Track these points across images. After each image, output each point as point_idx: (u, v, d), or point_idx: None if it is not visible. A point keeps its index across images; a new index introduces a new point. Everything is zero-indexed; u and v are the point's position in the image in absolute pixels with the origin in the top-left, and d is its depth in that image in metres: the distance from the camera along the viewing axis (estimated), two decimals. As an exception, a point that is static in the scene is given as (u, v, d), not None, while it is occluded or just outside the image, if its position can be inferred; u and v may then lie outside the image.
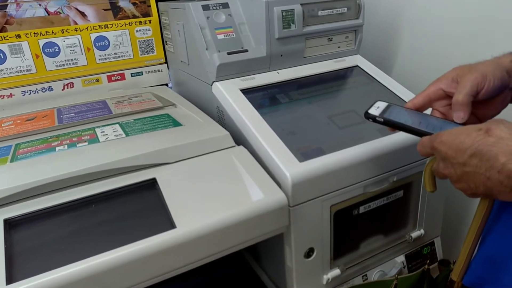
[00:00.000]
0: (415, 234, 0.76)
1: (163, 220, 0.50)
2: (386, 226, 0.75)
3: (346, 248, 0.70)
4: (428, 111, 0.56)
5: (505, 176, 0.37)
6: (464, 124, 0.49)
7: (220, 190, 0.55)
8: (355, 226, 0.70)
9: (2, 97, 0.85)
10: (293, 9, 0.75)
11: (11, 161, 0.57)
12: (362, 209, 0.68)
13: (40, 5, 0.85)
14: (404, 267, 0.77)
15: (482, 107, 0.52)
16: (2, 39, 0.82)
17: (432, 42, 0.92)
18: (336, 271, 0.67)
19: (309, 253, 0.64)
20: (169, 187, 0.55)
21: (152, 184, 0.56)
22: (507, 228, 0.43)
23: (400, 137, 0.67)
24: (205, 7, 0.76)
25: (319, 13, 0.79)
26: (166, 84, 1.01)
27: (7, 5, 0.82)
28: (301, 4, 0.76)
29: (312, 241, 0.63)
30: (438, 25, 0.90)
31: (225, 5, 0.78)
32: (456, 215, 0.91)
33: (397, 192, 0.72)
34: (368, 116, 0.54)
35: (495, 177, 0.38)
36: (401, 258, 0.77)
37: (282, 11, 0.74)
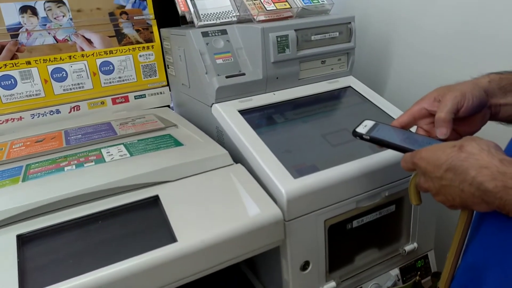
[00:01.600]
0: (408, 247, 0.78)
1: (165, 235, 0.53)
2: (379, 239, 0.78)
3: (341, 261, 0.73)
4: (414, 129, 0.60)
5: (476, 188, 0.41)
6: (446, 140, 0.53)
7: (219, 206, 0.59)
8: (349, 240, 0.73)
9: (12, 120, 0.89)
10: (288, 35, 0.80)
11: (23, 180, 0.61)
12: (355, 223, 0.71)
13: (49, 33, 0.90)
14: (398, 280, 0.79)
15: (463, 124, 0.56)
16: (13, 66, 0.87)
17: (421, 62, 0.97)
18: (332, 284, 0.70)
19: (305, 266, 0.66)
20: (171, 204, 0.58)
21: (155, 201, 0.59)
22: (486, 237, 0.46)
23: (390, 154, 0.70)
24: (205, 34, 0.81)
25: (312, 37, 0.84)
26: (168, 106, 1.06)
27: (18, 34, 0.87)
28: (295, 30, 0.81)
29: (307, 254, 0.66)
30: (427, 46, 0.94)
31: (224, 32, 0.83)
32: (449, 228, 0.93)
33: (389, 207, 0.74)
34: (355, 134, 0.58)
35: (467, 189, 0.42)
36: (395, 271, 0.79)
37: (277, 36, 0.79)
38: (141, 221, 0.56)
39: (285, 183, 0.62)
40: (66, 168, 0.64)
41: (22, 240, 0.51)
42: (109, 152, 0.70)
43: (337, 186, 0.66)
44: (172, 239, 0.52)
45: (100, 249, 0.52)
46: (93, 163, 0.66)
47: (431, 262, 0.84)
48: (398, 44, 1.01)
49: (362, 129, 0.58)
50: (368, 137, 0.57)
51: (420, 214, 0.78)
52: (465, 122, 0.56)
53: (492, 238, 0.45)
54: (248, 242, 0.56)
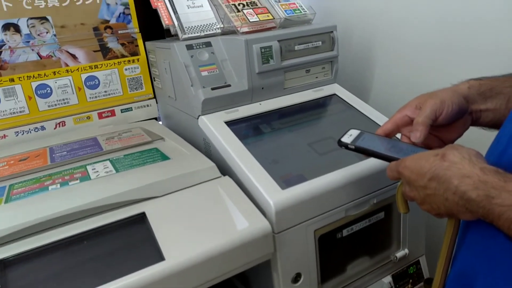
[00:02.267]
0: (399, 254, 0.79)
1: (153, 253, 0.52)
2: (370, 247, 0.78)
3: (333, 271, 0.73)
4: (399, 136, 0.60)
5: (459, 197, 0.41)
6: (429, 148, 0.54)
7: (206, 220, 0.58)
8: (340, 249, 0.73)
9: (-4, 138, 0.88)
10: (271, 46, 0.80)
11: (6, 202, 0.59)
12: (345, 232, 0.71)
13: (32, 50, 0.89)
14: (391, 287, 0.79)
15: (445, 131, 0.56)
16: (-4, 84, 0.86)
17: (404, 68, 0.98)
18: (324, 294, 0.70)
19: (296, 278, 0.66)
20: (158, 220, 0.57)
21: (141, 218, 0.58)
22: (473, 244, 0.46)
23: (377, 161, 0.69)
24: (189, 47, 0.81)
25: (296, 47, 0.84)
26: (155, 118, 1.05)
27: (1, 51, 0.86)
28: (278, 41, 0.81)
29: (298, 266, 0.66)
30: (409, 53, 0.96)
31: (208, 44, 0.83)
32: (439, 232, 0.94)
33: (378, 214, 0.75)
34: (340, 144, 0.58)
35: (451, 198, 0.42)
36: (388, 279, 0.79)
37: (261, 47, 0.79)
38: (127, 240, 0.56)
39: (273, 195, 0.62)
40: (50, 187, 0.63)
41: (5, 265, 0.50)
42: (94, 168, 0.69)
43: (326, 195, 0.66)
44: (160, 257, 0.51)
45: (86, 271, 0.51)
46: (78, 181, 0.65)
47: (423, 267, 0.84)
48: (381, 52, 1.03)
49: (347, 138, 0.58)
50: (353, 147, 0.57)
51: (409, 219, 0.78)
52: (447, 128, 0.56)
53: (478, 246, 0.45)
54: (238, 257, 0.56)
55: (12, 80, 0.88)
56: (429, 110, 0.53)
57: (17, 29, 0.87)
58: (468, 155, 0.42)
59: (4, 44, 0.86)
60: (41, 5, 0.89)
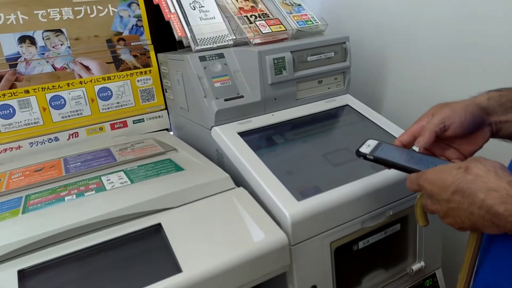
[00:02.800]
0: (415, 266, 0.77)
1: (170, 265, 0.52)
2: (386, 260, 0.77)
3: (349, 283, 0.72)
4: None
5: (485, 211, 0.40)
6: (448, 159, 0.53)
7: (223, 232, 0.58)
8: (356, 262, 0.72)
9: (11, 149, 0.88)
10: (284, 57, 0.81)
11: (23, 212, 0.60)
12: (361, 244, 0.70)
13: (47, 62, 0.90)
14: (407, 300, 0.78)
15: (463, 143, 0.56)
16: (11, 95, 0.87)
17: (418, 78, 0.98)
18: (340, 308, 0.68)
19: (312, 290, 0.65)
20: (174, 232, 0.57)
21: (157, 229, 0.58)
22: (497, 258, 0.45)
23: (393, 172, 0.69)
24: (202, 58, 0.82)
25: (308, 58, 0.85)
26: (167, 129, 1.06)
27: (17, 63, 0.87)
28: (291, 52, 0.81)
29: (314, 279, 0.65)
30: (423, 62, 0.96)
31: (221, 55, 0.83)
32: (456, 245, 0.92)
33: (394, 226, 0.74)
34: (359, 154, 0.58)
35: (477, 212, 0.41)
36: (404, 292, 0.78)
37: (274, 59, 0.79)
38: (144, 251, 0.55)
39: (289, 206, 0.62)
40: (66, 198, 0.63)
41: (23, 275, 0.50)
42: (109, 179, 0.70)
43: (342, 207, 0.65)
44: (177, 269, 0.51)
45: (103, 283, 0.50)
46: (93, 191, 0.65)
47: (439, 280, 0.83)
48: (394, 61, 1.03)
49: (365, 149, 0.58)
50: (372, 157, 0.56)
51: (425, 231, 0.77)
52: (464, 140, 0.56)
53: (503, 260, 0.44)
54: (255, 269, 0.55)
55: (27, 91, 0.89)
56: (437, 118, 0.54)
57: (32, 41, 0.89)
58: (494, 168, 0.42)
59: (20, 56, 0.88)
60: (56, 17, 0.90)
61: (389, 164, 0.56)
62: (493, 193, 0.40)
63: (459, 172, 0.43)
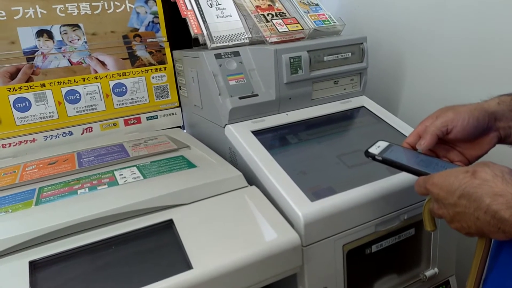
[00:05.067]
0: (429, 272, 0.75)
1: (180, 261, 0.51)
2: (399, 265, 0.75)
3: (360, 287, 0.70)
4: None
5: (491, 217, 0.39)
6: (454, 163, 0.53)
7: (234, 230, 0.57)
8: (368, 265, 0.70)
9: (26, 142, 0.89)
10: (300, 56, 0.80)
11: (36, 204, 0.60)
12: (374, 248, 0.69)
13: (64, 56, 0.91)
14: (420, 307, 0.76)
15: (467, 147, 0.55)
16: (28, 88, 0.88)
17: (434, 80, 0.96)
18: (351, 312, 0.67)
19: (323, 293, 0.64)
20: (185, 228, 0.57)
21: (169, 225, 0.58)
22: (506, 266, 0.44)
23: (408, 176, 0.68)
24: (218, 56, 0.81)
25: (325, 58, 0.83)
26: (180, 126, 1.05)
27: (34, 57, 0.88)
28: (307, 51, 0.80)
29: (325, 281, 0.64)
30: (440, 64, 0.94)
31: (236, 53, 0.83)
32: (471, 252, 0.90)
33: (409, 230, 0.72)
34: (367, 154, 0.57)
35: (482, 217, 0.40)
36: (416, 298, 0.76)
37: (290, 58, 0.78)
38: (155, 247, 0.55)
39: (302, 206, 0.61)
40: (79, 191, 0.63)
41: (35, 267, 0.50)
42: (122, 174, 0.70)
43: (356, 210, 0.64)
44: (187, 266, 0.50)
45: (113, 276, 0.50)
46: (106, 186, 0.65)
47: (452, 288, 0.81)
48: (411, 63, 1.01)
49: (375, 149, 0.57)
50: (381, 158, 0.55)
51: (440, 237, 0.75)
52: (469, 144, 0.55)
53: None
54: (266, 269, 0.54)
55: (43, 85, 0.89)
56: (440, 121, 0.53)
57: (50, 35, 0.89)
58: (501, 173, 0.40)
59: (37, 50, 0.88)
60: (74, 12, 0.91)
61: (397, 166, 0.55)
62: (499, 198, 0.39)
63: (466, 176, 0.42)
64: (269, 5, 0.93)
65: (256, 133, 0.78)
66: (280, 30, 0.86)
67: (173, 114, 1.04)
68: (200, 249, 0.53)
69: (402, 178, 0.68)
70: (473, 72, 0.87)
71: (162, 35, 1.01)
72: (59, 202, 0.60)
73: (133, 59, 0.98)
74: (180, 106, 1.05)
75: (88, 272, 0.51)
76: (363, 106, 0.89)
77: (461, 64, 0.89)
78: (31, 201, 0.61)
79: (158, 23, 1.00)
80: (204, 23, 0.89)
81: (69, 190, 0.64)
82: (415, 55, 0.99)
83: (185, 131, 1.05)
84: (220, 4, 0.93)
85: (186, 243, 0.54)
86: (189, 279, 0.49)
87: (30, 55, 0.88)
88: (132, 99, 0.99)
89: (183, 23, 0.90)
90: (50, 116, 0.91)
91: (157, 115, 1.02)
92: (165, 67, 1.02)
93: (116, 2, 0.95)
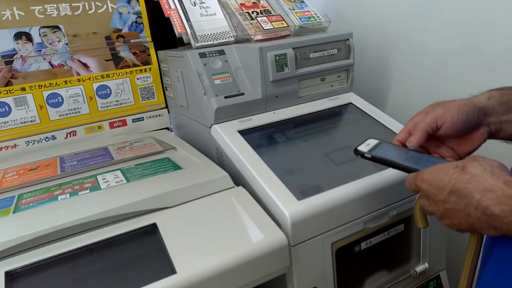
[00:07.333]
0: (419, 268, 0.75)
1: (164, 266, 0.50)
2: (389, 261, 0.74)
3: (351, 285, 0.69)
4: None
5: (482, 213, 0.38)
6: (443, 158, 0.53)
7: (220, 232, 0.56)
8: (358, 263, 0.70)
9: (6, 148, 0.87)
10: (286, 53, 0.79)
11: (14, 212, 0.58)
12: (363, 245, 0.68)
13: (44, 59, 0.89)
14: (412, 303, 0.76)
15: (458, 143, 0.54)
16: (7, 93, 0.86)
17: (421, 76, 0.95)
18: (342, 311, 0.66)
19: (313, 293, 0.63)
20: (169, 232, 0.55)
21: (152, 229, 0.56)
22: (500, 263, 0.43)
23: (396, 172, 0.67)
24: (202, 55, 0.80)
25: (311, 55, 0.82)
26: (167, 128, 1.04)
27: (13, 60, 0.86)
28: (293, 48, 0.79)
29: (315, 280, 0.63)
30: (426, 60, 0.93)
31: (221, 52, 0.82)
32: (460, 246, 0.90)
33: (398, 226, 0.71)
34: (357, 152, 0.56)
35: (473, 213, 0.39)
36: (408, 294, 0.75)
37: (275, 55, 0.77)
38: (138, 252, 0.53)
39: (289, 206, 0.60)
40: (59, 197, 0.61)
41: (11, 277, 0.48)
42: (105, 178, 0.68)
43: (343, 207, 0.63)
44: (171, 270, 0.49)
45: (95, 284, 0.48)
46: (88, 191, 0.63)
47: (443, 282, 0.80)
48: (398, 59, 1.00)
49: (364, 147, 0.56)
50: (370, 156, 0.55)
51: (430, 232, 0.75)
52: (459, 140, 0.54)
53: (507, 264, 0.42)
54: (252, 271, 0.53)
55: (23, 89, 0.87)
56: (429, 117, 0.52)
57: (29, 38, 0.87)
58: (491, 167, 0.40)
59: (16, 53, 0.86)
60: (53, 14, 0.89)
61: (387, 164, 0.54)
62: (489, 194, 0.38)
63: (456, 171, 0.42)
64: (254, 2, 0.91)
65: (243, 132, 0.76)
66: (265, 28, 0.85)
67: (159, 115, 1.03)
68: (185, 253, 0.52)
69: (390, 174, 0.67)
70: (462, 68, 0.87)
71: (146, 35, 0.99)
72: (39, 209, 0.58)
73: (117, 60, 0.97)
74: (167, 107, 1.03)
75: (69, 281, 0.49)
76: (351, 103, 0.88)
77: (449, 60, 0.89)
78: (9, 209, 0.59)
79: (142, 23, 0.98)
80: (188, 22, 0.87)
81: (49, 196, 0.62)
82: (402, 50, 0.99)
83: (172, 132, 1.03)
84: (204, 3, 0.91)
85: (170, 247, 0.52)
86: (173, 284, 0.48)
87: (8, 58, 0.85)
88: (117, 101, 0.97)
89: (168, 23, 0.88)
90: (31, 121, 0.89)
91: (143, 117, 1.01)
92: (150, 68, 1.00)
93: (97, 3, 0.93)
